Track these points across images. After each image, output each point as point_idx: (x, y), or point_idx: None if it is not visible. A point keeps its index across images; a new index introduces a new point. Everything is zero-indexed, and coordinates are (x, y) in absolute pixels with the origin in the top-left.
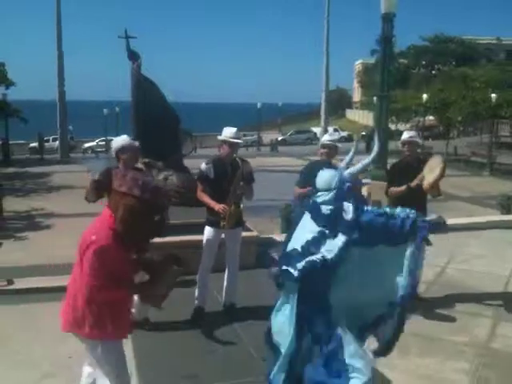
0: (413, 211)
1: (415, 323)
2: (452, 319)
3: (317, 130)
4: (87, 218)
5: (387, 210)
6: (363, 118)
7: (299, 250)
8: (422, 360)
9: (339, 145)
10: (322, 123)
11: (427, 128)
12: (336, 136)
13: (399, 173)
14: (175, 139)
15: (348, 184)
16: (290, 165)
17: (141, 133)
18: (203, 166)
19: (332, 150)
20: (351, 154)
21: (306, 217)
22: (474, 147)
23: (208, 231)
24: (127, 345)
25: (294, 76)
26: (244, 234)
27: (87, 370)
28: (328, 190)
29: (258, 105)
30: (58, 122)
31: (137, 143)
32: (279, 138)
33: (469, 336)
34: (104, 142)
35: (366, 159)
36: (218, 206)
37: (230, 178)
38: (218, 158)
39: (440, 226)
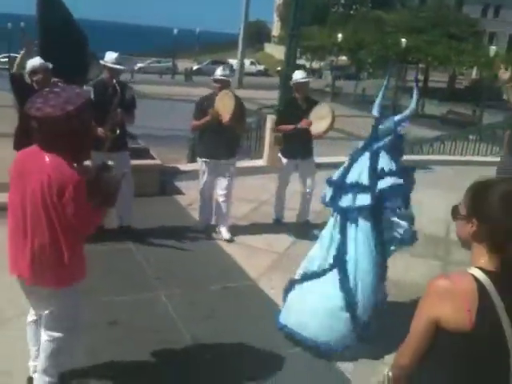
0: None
1: (298, 248)
2: None
3: (233, 61)
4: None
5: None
6: (281, 52)
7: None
8: None
9: (230, 79)
10: (239, 55)
11: (340, 68)
12: (227, 71)
13: (289, 111)
14: (82, 60)
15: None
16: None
17: (46, 53)
18: (84, 87)
19: (224, 83)
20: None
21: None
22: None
23: (92, 155)
24: None
25: (213, 2)
26: (147, 162)
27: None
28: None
29: (175, 31)
30: None
31: (49, 65)
32: (194, 67)
33: None
34: (7, 59)
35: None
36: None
37: (108, 102)
38: (100, 82)
39: None
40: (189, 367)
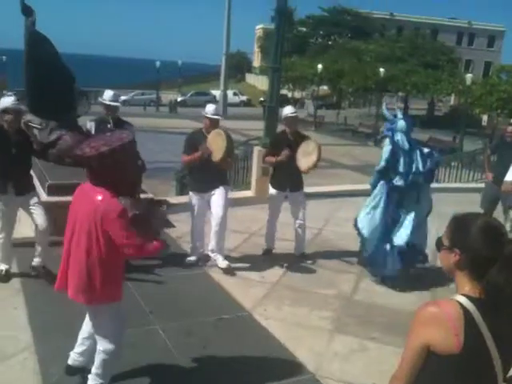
0: None
1: (290, 278)
2: (323, 275)
3: (216, 92)
4: None
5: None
6: (263, 83)
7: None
8: (294, 310)
9: (220, 117)
10: (222, 86)
11: (321, 97)
12: (220, 111)
13: (278, 144)
14: (70, 99)
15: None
16: (188, 127)
17: (33, 91)
18: (88, 123)
19: (215, 122)
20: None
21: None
22: (362, 118)
23: None
24: (19, 296)
25: (195, 35)
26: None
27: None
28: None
29: (157, 64)
30: None
31: (22, 107)
32: (178, 99)
33: (336, 289)
34: None
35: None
36: None
37: None
38: (100, 118)
39: None
40: None
